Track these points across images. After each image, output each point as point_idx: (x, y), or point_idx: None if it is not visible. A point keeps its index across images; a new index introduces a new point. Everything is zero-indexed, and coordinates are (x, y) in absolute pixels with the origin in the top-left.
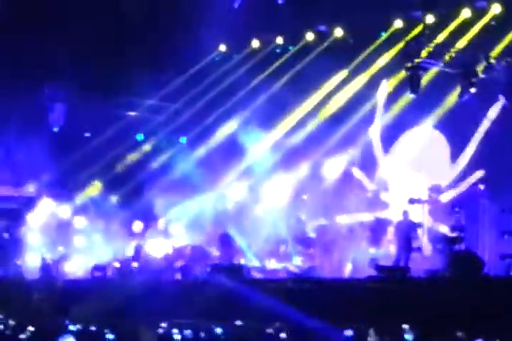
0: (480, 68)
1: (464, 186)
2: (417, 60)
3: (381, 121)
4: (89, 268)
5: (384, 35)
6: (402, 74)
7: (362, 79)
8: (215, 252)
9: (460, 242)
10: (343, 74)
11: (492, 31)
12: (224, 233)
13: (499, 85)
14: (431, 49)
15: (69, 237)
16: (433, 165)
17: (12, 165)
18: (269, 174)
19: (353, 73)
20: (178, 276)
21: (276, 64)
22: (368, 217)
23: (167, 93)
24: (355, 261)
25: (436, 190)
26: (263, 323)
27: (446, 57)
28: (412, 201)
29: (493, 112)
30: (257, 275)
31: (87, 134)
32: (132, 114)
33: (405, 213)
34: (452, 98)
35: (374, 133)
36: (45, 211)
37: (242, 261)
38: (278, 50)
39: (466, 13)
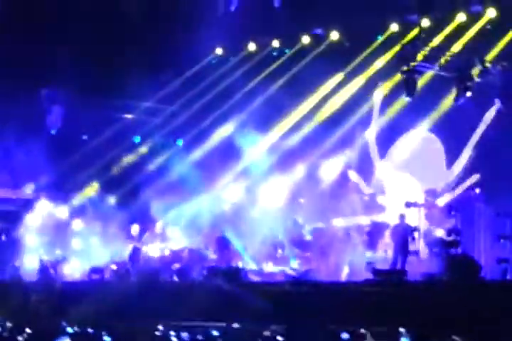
0: (475, 72)
1: (459, 190)
2: (412, 64)
3: (377, 124)
4: (87, 270)
5: (380, 39)
6: (398, 77)
7: (358, 82)
8: (212, 255)
9: (457, 246)
10: (339, 77)
11: (487, 35)
12: (221, 236)
13: (495, 89)
14: (426, 53)
15: (66, 239)
16: (429, 169)
17: (10, 167)
18: (265, 176)
19: (349, 76)
20: (176, 279)
21: (273, 67)
22: (364, 220)
23: (164, 95)
24: (351, 265)
25: (432, 193)
26: (260, 326)
27: (442, 61)
28: (408, 205)
29: (489, 116)
30: (254, 278)
31: (85, 137)
32: (129, 116)
33: (402, 217)
34: (448, 101)
35: (370, 136)
36: (43, 212)
37: (240, 264)
38: (274, 53)
39: (461, 17)
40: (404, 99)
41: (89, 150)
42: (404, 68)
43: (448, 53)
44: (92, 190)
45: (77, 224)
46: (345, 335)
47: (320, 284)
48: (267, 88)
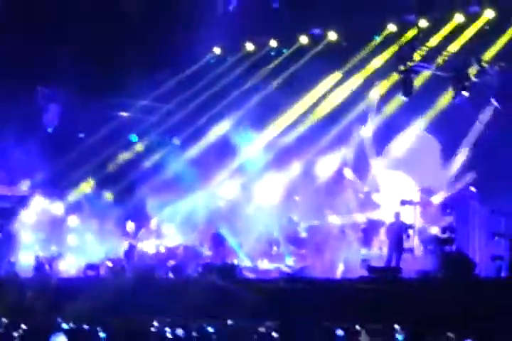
0: (472, 72)
1: (455, 188)
2: (410, 64)
3: (373, 122)
4: (82, 266)
5: (377, 39)
6: (396, 76)
7: (355, 81)
8: (207, 252)
9: (451, 243)
10: (336, 76)
11: (485, 36)
12: (216, 233)
13: (492, 89)
14: (424, 53)
15: (62, 235)
16: (424, 167)
17: (6, 165)
18: (261, 173)
19: (346, 75)
20: (171, 275)
21: (271, 66)
22: (359, 217)
23: (161, 94)
24: (346, 262)
25: (427, 191)
26: (255, 322)
27: (439, 61)
28: (403, 202)
29: (485, 116)
30: (249, 275)
31: (81, 135)
32: (126, 114)
33: (397, 214)
34: (445, 101)
35: (366, 134)
36: (38, 209)
37: (235, 261)
38: (272, 53)
39: (459, 17)
40: (400, 98)
41: (86, 148)
42: (402, 68)
43: (445, 53)
44: (87, 186)
45: (73, 221)
46: (340, 332)
47: (315, 281)
48: (264, 87)
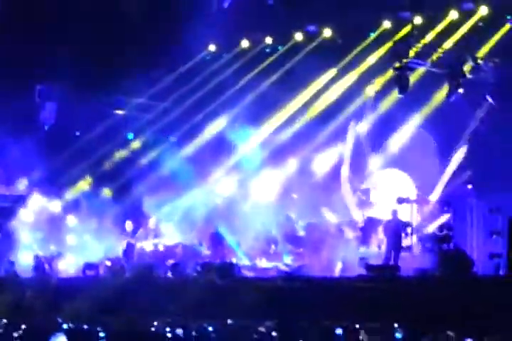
0: (467, 69)
1: (451, 186)
2: (405, 60)
3: (369, 119)
4: (81, 266)
5: (372, 36)
6: (390, 73)
7: (350, 78)
8: (205, 251)
9: (449, 241)
10: (331, 73)
11: (480, 32)
12: (214, 232)
13: (487, 86)
14: (419, 49)
15: (60, 235)
16: (420, 165)
17: (3, 163)
18: (257, 170)
19: (341, 72)
20: (170, 275)
21: (266, 63)
22: (357, 215)
23: (156, 92)
24: (344, 260)
25: (424, 189)
26: (254, 321)
27: (434, 58)
28: (400, 200)
29: (481, 112)
30: (248, 273)
31: (78, 132)
32: (121, 112)
33: (394, 212)
34: (440, 97)
35: (362, 131)
36: (36, 207)
37: (233, 260)
38: (267, 50)
39: (453, 14)
40: (396, 95)
41: (82, 146)
42: (397, 65)
43: (440, 50)
44: (85, 184)
45: (71, 220)
46: (338, 331)
47: (313, 280)
48: (259, 84)
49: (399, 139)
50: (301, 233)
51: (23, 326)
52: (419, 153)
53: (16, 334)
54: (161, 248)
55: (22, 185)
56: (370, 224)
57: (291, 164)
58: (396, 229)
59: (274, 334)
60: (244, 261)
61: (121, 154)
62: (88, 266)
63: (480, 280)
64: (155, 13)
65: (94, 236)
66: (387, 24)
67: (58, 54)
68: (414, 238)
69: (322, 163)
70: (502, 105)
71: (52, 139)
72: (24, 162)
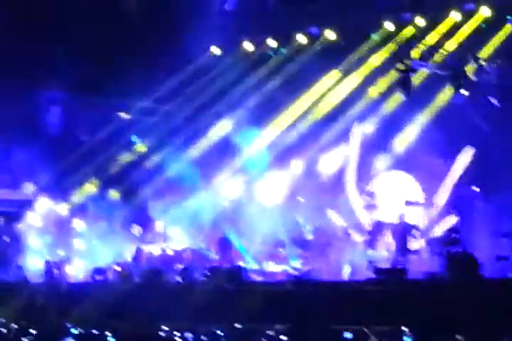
0: (470, 70)
1: (458, 188)
2: (407, 62)
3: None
4: (90, 271)
5: (374, 37)
6: (394, 74)
7: (353, 79)
8: (214, 256)
9: (457, 244)
10: (334, 74)
11: (482, 33)
12: (223, 237)
13: (490, 87)
14: (421, 51)
15: (69, 239)
16: (426, 166)
17: (9, 168)
18: (263, 172)
19: (344, 74)
20: (178, 279)
21: (269, 65)
22: (363, 218)
23: (160, 94)
24: (352, 263)
25: (430, 191)
26: (263, 325)
27: (437, 59)
28: (408, 203)
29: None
30: (256, 277)
31: (83, 136)
32: (126, 115)
33: (401, 215)
34: (443, 98)
35: (366, 132)
36: (44, 210)
37: (241, 264)
38: (270, 52)
39: (455, 15)
40: (400, 96)
41: (88, 150)
42: (399, 66)
43: (443, 51)
44: (92, 187)
45: (79, 224)
46: (347, 334)
47: (321, 283)
48: (263, 86)
49: (403, 141)
50: (310, 237)
51: (33, 331)
52: (425, 155)
53: (25, 340)
54: (169, 252)
55: (28, 189)
56: (378, 227)
57: (297, 166)
58: (404, 233)
59: (283, 338)
60: (252, 265)
61: (126, 157)
62: (97, 270)
63: (489, 282)
64: (157, 15)
65: (103, 240)
66: (389, 25)
67: (61, 56)
68: (422, 241)
69: (328, 165)
70: (505, 106)
71: (58, 143)
72: (30, 166)
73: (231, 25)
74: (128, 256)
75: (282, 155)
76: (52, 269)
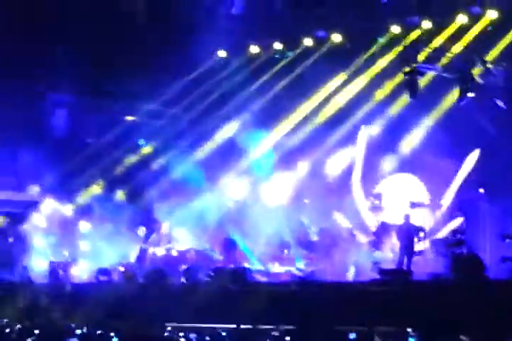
0: (477, 72)
1: (463, 190)
2: (414, 65)
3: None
4: (94, 271)
5: (381, 40)
6: (401, 77)
7: (360, 82)
8: (218, 256)
9: (462, 245)
10: (341, 77)
11: (489, 36)
12: (227, 238)
13: (497, 89)
14: (428, 54)
15: (74, 239)
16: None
17: (15, 170)
18: (269, 174)
19: (351, 77)
20: (183, 280)
21: (276, 68)
22: (369, 219)
23: (167, 98)
24: (357, 264)
25: (436, 193)
26: (266, 325)
27: (444, 62)
28: (413, 205)
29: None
30: (261, 278)
31: (89, 139)
32: (133, 118)
33: (407, 217)
34: (450, 101)
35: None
36: (49, 211)
37: (246, 265)
38: (277, 56)
39: (462, 18)
40: (406, 99)
41: (94, 152)
42: (406, 69)
43: (449, 54)
44: (97, 188)
45: (84, 225)
46: (352, 335)
47: (326, 284)
48: (270, 89)
49: (410, 143)
50: (315, 238)
51: (37, 331)
52: (431, 157)
53: (29, 340)
54: (174, 253)
55: (34, 191)
56: (384, 228)
57: (303, 167)
58: (409, 234)
59: (287, 338)
60: (257, 266)
61: (132, 159)
62: (101, 271)
63: (493, 284)
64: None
65: (107, 241)
66: (395, 29)
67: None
68: (427, 242)
69: (334, 166)
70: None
71: (63, 146)
72: (35, 169)
73: (238, 28)
74: (132, 256)
75: (288, 157)
76: (57, 270)
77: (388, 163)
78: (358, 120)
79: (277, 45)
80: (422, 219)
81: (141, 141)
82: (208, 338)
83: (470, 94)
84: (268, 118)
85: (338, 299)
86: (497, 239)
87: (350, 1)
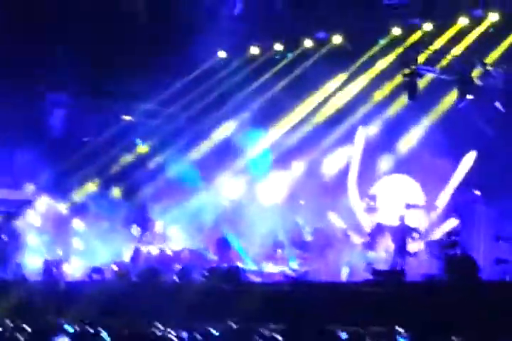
0: (477, 75)
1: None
2: (414, 67)
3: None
4: (87, 270)
5: (382, 42)
6: (400, 78)
7: (359, 84)
8: (212, 256)
9: (456, 247)
10: (340, 78)
11: (489, 38)
12: (221, 238)
13: (496, 92)
14: (428, 56)
15: (68, 237)
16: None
17: (11, 169)
18: (265, 173)
19: (350, 78)
20: (176, 279)
21: (275, 69)
22: (364, 220)
23: (165, 98)
24: (351, 265)
25: (432, 195)
26: (259, 325)
27: (444, 64)
28: (408, 206)
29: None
30: (254, 278)
31: (86, 139)
32: (130, 118)
33: (402, 218)
34: (449, 103)
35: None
36: (43, 209)
37: (239, 265)
38: (277, 57)
39: (463, 21)
40: (405, 100)
41: (90, 152)
42: (406, 71)
43: (449, 56)
44: (92, 186)
45: (78, 223)
46: (344, 335)
47: (319, 284)
48: (268, 90)
49: (407, 143)
50: (309, 238)
51: (29, 329)
52: (428, 158)
53: (21, 337)
54: (168, 252)
55: (29, 189)
56: (379, 229)
57: (298, 167)
58: (403, 235)
59: (278, 338)
60: (251, 266)
61: (128, 158)
62: (94, 270)
63: (487, 285)
64: (164, 18)
65: (102, 239)
66: (396, 31)
67: (63, 58)
68: (422, 244)
69: (330, 166)
70: (510, 111)
71: (60, 145)
72: (31, 168)
73: (239, 29)
74: (126, 255)
75: (285, 157)
76: (51, 268)
77: (385, 163)
78: (356, 120)
79: (278, 46)
80: (417, 220)
81: (138, 140)
82: (199, 337)
83: (469, 96)
84: (266, 118)
85: (332, 299)
86: (491, 241)
87: (351, 2)
